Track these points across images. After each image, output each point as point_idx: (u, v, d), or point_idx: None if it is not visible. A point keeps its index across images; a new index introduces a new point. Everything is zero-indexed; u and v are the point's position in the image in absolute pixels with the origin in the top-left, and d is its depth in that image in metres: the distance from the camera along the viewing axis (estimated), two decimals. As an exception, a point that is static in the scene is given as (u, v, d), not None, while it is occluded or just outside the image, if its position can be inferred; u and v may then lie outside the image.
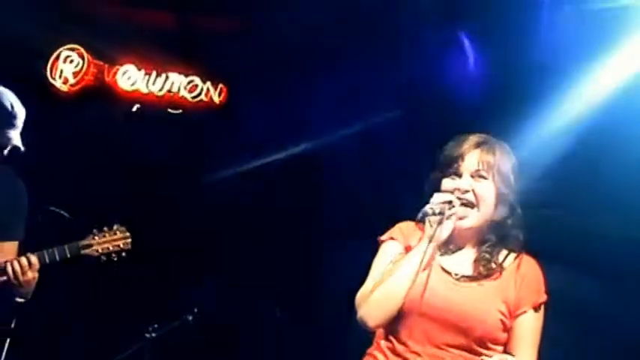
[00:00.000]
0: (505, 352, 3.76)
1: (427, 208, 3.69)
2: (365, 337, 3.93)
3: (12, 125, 5.06)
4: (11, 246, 5.10)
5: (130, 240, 5.14)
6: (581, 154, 6.05)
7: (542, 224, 4.71)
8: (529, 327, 3.79)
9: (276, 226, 7.75)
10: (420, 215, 3.71)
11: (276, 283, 7.57)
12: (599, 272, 5.94)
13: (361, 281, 3.90)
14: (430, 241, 3.71)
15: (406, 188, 4.22)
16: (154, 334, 6.64)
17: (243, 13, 7.97)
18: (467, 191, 3.78)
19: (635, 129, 5.98)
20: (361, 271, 3.94)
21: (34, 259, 4.85)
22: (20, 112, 5.09)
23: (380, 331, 3.90)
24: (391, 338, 3.83)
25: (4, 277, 4.84)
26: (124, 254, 5.10)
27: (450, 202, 3.72)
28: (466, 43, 7.18)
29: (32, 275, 4.85)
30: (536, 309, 3.79)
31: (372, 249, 4.01)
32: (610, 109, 6.11)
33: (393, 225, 4.06)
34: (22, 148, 5.09)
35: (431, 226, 3.72)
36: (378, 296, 3.79)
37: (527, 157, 4.29)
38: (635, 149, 5.95)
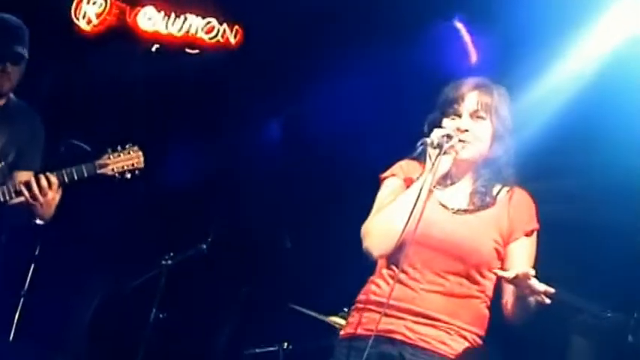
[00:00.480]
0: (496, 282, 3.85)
1: (426, 139, 3.75)
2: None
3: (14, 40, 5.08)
4: (27, 175, 5.09)
5: (142, 159, 4.99)
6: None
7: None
8: (523, 252, 3.85)
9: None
10: (418, 144, 3.77)
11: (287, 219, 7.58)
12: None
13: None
14: (430, 172, 3.74)
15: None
16: (169, 262, 6.71)
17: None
18: (466, 130, 3.82)
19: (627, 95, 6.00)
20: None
21: (53, 178, 4.79)
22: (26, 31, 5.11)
23: (382, 261, 3.93)
24: (392, 267, 3.85)
25: (22, 198, 4.81)
26: (137, 172, 5.06)
27: (448, 136, 3.76)
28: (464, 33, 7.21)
29: (52, 195, 4.78)
30: (528, 235, 3.86)
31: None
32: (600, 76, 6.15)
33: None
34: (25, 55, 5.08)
35: (430, 158, 3.75)
36: (380, 226, 3.84)
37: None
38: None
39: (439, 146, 3.74)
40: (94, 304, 7.80)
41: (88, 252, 7.73)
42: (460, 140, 3.81)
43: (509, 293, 3.76)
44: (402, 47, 7.20)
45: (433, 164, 3.74)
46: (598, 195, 6.08)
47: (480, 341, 3.84)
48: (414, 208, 3.69)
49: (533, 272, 3.42)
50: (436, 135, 3.76)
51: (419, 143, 3.77)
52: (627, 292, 5.79)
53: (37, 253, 7.15)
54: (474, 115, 3.84)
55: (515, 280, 3.47)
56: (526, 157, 4.15)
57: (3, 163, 5.07)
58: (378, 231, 3.84)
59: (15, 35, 5.09)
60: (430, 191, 3.80)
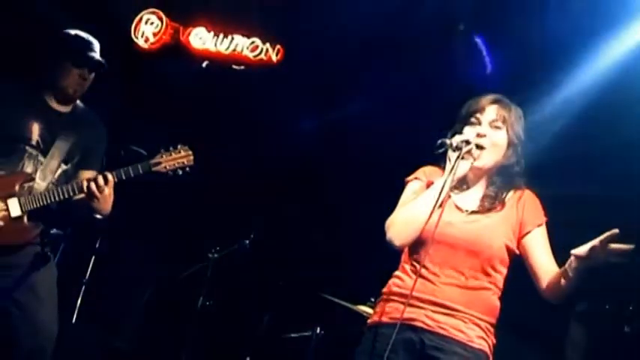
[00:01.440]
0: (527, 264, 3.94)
1: (445, 139, 3.87)
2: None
3: (93, 50, 5.17)
4: (90, 174, 5.14)
5: (192, 157, 4.99)
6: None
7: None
8: (540, 240, 3.94)
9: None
10: (438, 143, 3.88)
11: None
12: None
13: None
14: (450, 173, 3.81)
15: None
16: (216, 255, 6.76)
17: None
18: (484, 135, 3.90)
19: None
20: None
21: (109, 175, 4.85)
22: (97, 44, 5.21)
23: (405, 257, 4.03)
24: (414, 262, 3.94)
25: (83, 195, 4.86)
26: (188, 170, 5.09)
27: (467, 141, 3.84)
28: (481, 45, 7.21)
29: (109, 192, 4.86)
30: (540, 226, 3.94)
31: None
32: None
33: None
34: (105, 64, 5.17)
35: (450, 161, 3.83)
36: (403, 218, 3.93)
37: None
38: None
39: (458, 149, 3.83)
40: (149, 291, 7.86)
41: (144, 246, 7.82)
42: (478, 147, 3.89)
43: (551, 277, 3.82)
44: (426, 59, 7.25)
45: (453, 166, 3.81)
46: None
47: (492, 329, 3.92)
48: (436, 204, 3.79)
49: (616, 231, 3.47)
50: (456, 139, 3.85)
51: (438, 142, 3.87)
52: (623, 287, 5.78)
53: (97, 245, 7.23)
54: (492, 124, 3.94)
55: (593, 251, 3.52)
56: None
57: (70, 165, 5.14)
58: (401, 223, 3.93)
59: (94, 46, 5.19)
60: (448, 195, 3.88)
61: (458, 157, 3.81)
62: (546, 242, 3.94)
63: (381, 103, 7.40)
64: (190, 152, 5.05)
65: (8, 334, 4.91)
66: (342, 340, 6.29)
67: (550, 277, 3.84)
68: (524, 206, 3.95)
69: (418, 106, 7.16)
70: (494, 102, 3.99)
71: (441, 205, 3.82)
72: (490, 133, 3.92)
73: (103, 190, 4.79)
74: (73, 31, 5.29)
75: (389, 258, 4.13)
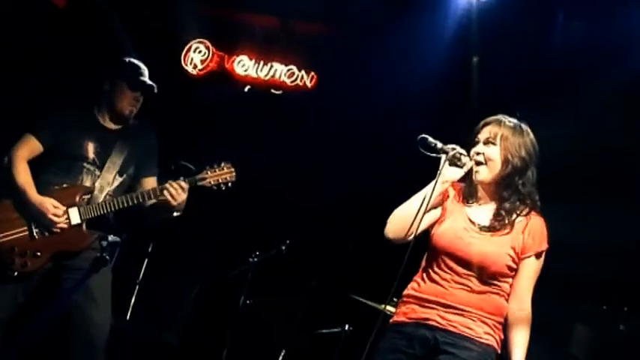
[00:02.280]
0: (511, 284, 3.95)
1: (434, 140, 3.93)
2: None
3: (145, 75, 5.33)
4: (152, 180, 5.31)
5: (234, 173, 5.09)
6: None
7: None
8: (531, 268, 3.96)
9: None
10: (438, 145, 3.93)
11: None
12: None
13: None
14: (438, 175, 3.92)
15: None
16: (256, 259, 6.83)
17: (331, 20, 8.08)
18: (480, 153, 3.97)
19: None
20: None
21: (184, 184, 5.03)
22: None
23: (423, 265, 4.09)
24: (429, 269, 4.03)
25: (163, 198, 5.04)
26: (230, 185, 5.18)
27: (461, 154, 3.93)
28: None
29: (185, 195, 5.05)
30: (538, 255, 3.96)
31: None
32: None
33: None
34: (156, 88, 5.32)
35: (442, 164, 3.92)
36: (396, 215, 4.03)
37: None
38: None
39: (444, 152, 3.91)
40: (196, 291, 7.90)
41: (192, 251, 7.90)
42: (477, 163, 3.95)
43: (510, 312, 3.92)
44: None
45: (441, 168, 3.91)
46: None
47: (499, 326, 3.97)
48: (426, 204, 3.89)
49: None
50: (448, 146, 3.94)
51: (428, 140, 3.92)
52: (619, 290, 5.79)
53: (149, 250, 7.33)
54: (487, 141, 3.98)
55: None
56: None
57: (125, 176, 5.27)
58: (395, 219, 4.03)
59: (145, 72, 5.35)
60: (462, 204, 4.01)
61: (445, 160, 3.90)
62: (537, 270, 3.97)
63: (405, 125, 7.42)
64: (233, 169, 5.13)
65: (67, 333, 5.05)
66: (367, 337, 6.35)
67: (511, 310, 3.94)
68: (529, 233, 3.94)
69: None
70: (488, 123, 4.03)
71: (426, 208, 3.91)
72: (485, 150, 3.96)
73: (180, 194, 4.99)
74: (128, 58, 5.45)
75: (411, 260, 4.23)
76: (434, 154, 3.94)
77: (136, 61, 5.39)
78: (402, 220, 3.99)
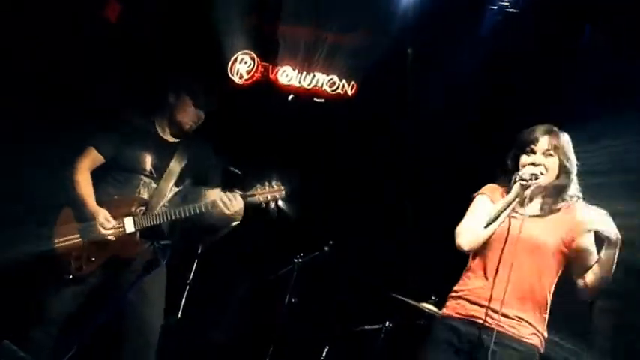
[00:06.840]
0: (575, 267, 4.06)
1: (522, 174, 4.01)
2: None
3: (211, 93, 5.43)
4: (213, 192, 5.31)
5: (283, 192, 5.15)
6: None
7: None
8: (585, 245, 4.02)
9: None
10: (516, 178, 4.01)
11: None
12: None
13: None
14: (516, 197, 4.00)
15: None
16: (300, 260, 6.84)
17: (370, 30, 8.09)
18: (540, 164, 4.05)
19: None
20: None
21: (237, 196, 5.06)
22: None
23: (471, 260, 4.18)
24: (478, 258, 4.11)
25: (218, 208, 5.07)
26: (279, 202, 5.20)
27: (535, 176, 3.99)
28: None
29: (241, 204, 5.09)
30: (584, 234, 4.01)
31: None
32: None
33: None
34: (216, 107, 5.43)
35: (519, 189, 3.99)
36: (471, 227, 4.10)
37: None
38: None
39: (524, 180, 3.98)
40: (243, 290, 7.93)
41: (240, 252, 7.86)
42: (537, 175, 4.02)
43: (593, 272, 3.95)
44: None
45: (521, 193, 3.98)
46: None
47: (543, 324, 4.07)
48: (498, 221, 3.99)
49: None
50: (527, 172, 4.01)
51: (516, 177, 4.01)
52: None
53: (199, 251, 7.35)
54: (546, 153, 4.07)
55: None
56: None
57: (182, 187, 5.30)
58: (469, 232, 4.09)
59: (210, 89, 5.37)
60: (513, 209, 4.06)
61: (526, 187, 3.97)
62: (592, 242, 4.02)
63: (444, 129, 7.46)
64: (283, 188, 5.18)
65: (121, 331, 5.11)
66: (406, 332, 6.37)
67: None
68: (571, 215, 4.05)
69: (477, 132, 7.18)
70: (546, 133, 4.11)
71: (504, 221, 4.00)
72: (544, 161, 4.05)
73: (234, 204, 5.00)
74: (194, 73, 5.47)
75: (451, 261, 4.28)
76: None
77: (203, 79, 5.41)
78: (477, 233, 4.04)
